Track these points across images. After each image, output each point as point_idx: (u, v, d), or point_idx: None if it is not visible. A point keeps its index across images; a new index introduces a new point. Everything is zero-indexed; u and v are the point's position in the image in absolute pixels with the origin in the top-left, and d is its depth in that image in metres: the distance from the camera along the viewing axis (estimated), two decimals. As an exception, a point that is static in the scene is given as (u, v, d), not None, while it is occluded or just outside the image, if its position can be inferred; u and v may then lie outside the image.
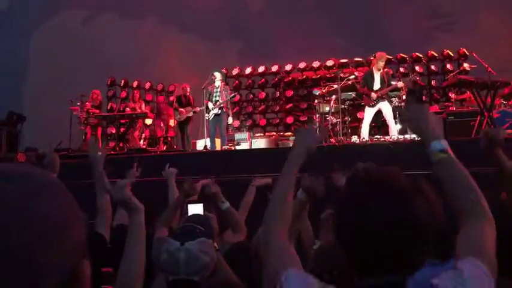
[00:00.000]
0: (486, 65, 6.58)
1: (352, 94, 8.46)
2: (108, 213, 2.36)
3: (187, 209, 2.80)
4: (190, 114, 8.84)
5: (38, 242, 0.54)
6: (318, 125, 8.10)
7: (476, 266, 0.95)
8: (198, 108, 8.61)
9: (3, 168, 0.59)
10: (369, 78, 7.22)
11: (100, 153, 2.49)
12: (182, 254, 1.65)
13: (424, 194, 1.01)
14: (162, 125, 10.29)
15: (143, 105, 9.83)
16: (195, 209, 2.81)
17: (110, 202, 2.33)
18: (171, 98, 10.69)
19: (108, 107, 11.25)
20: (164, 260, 1.68)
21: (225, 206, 2.61)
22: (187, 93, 9.03)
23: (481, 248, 1.00)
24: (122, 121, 9.19)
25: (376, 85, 7.16)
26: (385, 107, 7.13)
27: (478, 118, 6.15)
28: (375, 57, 7.44)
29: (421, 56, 10.62)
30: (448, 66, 10.42)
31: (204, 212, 2.76)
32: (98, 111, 9.11)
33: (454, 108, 8.12)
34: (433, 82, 10.65)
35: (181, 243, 1.67)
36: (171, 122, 9.80)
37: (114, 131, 9.56)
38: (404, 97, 7.70)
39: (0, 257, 0.52)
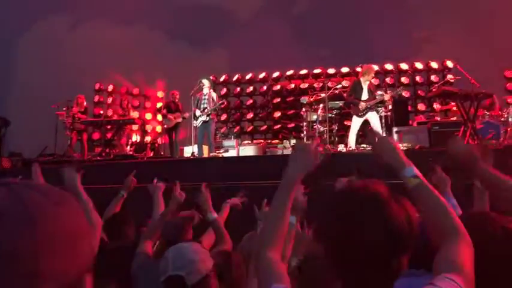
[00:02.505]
0: (469, 77, 6.73)
1: (340, 103, 8.56)
2: (97, 228, 2.30)
3: None
4: (180, 120, 8.84)
5: (47, 248, 0.57)
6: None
7: (452, 283, 0.99)
8: (187, 114, 8.61)
9: (28, 181, 0.64)
10: (357, 88, 7.30)
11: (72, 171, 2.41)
12: (170, 252, 1.74)
13: (402, 206, 1.07)
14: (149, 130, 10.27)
15: (131, 112, 9.79)
16: None
17: (98, 217, 2.30)
18: (160, 105, 10.67)
19: (96, 113, 11.16)
20: (160, 264, 1.76)
21: (211, 216, 2.58)
22: (176, 100, 9.03)
23: (457, 265, 1.04)
24: (108, 127, 9.13)
25: (364, 95, 7.25)
26: (373, 117, 7.22)
27: (462, 128, 6.27)
28: (361, 67, 7.55)
29: (406, 69, 10.83)
30: (433, 77, 10.64)
31: None
32: (84, 116, 9.02)
33: (439, 119, 8.27)
34: (419, 92, 10.85)
35: (172, 244, 1.80)
36: (158, 128, 9.77)
37: (100, 137, 9.50)
38: (390, 107, 7.84)
39: (7, 255, 0.55)
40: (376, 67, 9.28)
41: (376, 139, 1.39)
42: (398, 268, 1.05)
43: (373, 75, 7.50)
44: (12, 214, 0.57)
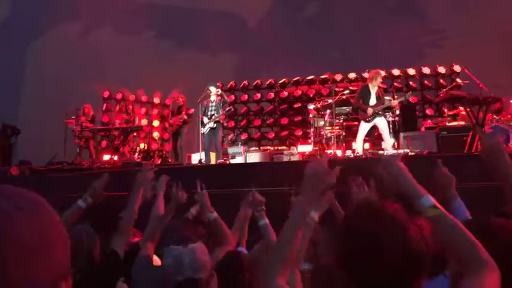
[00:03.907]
0: (478, 81, 6.68)
1: (347, 109, 8.53)
2: (127, 234, 2.31)
3: None
4: (180, 122, 8.82)
5: (15, 258, 0.55)
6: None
7: None
8: (184, 116, 8.64)
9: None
10: (366, 93, 7.27)
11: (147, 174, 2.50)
12: (186, 255, 1.79)
13: (419, 226, 1.09)
14: (156, 138, 10.32)
15: (136, 118, 9.84)
16: None
17: (132, 224, 2.33)
18: (166, 112, 10.72)
19: (105, 121, 11.25)
20: (169, 264, 1.81)
21: (212, 216, 2.59)
22: (181, 104, 9.04)
23: None
24: (116, 133, 9.18)
25: (372, 101, 7.22)
26: (381, 122, 7.18)
27: (471, 133, 6.21)
28: (369, 72, 7.53)
29: (413, 74, 10.79)
30: (441, 81, 10.58)
31: None
32: (91, 125, 9.12)
33: (447, 123, 8.20)
34: (427, 96, 10.79)
35: (185, 246, 1.82)
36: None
37: (108, 145, 9.55)
38: (398, 112, 7.80)
39: None
40: (383, 72, 9.26)
41: (384, 166, 1.32)
42: (415, 284, 1.07)
43: (381, 80, 7.48)
44: None
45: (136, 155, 9.50)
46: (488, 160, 1.40)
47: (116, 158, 8.77)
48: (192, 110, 8.57)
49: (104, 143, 10.32)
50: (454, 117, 8.90)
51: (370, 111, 7.11)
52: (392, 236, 1.05)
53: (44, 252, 0.58)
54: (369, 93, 7.24)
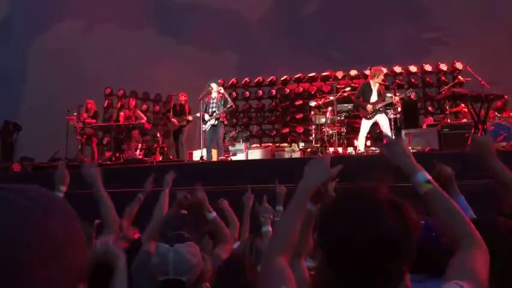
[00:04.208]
0: (480, 78, 6.66)
1: (348, 106, 8.53)
2: (115, 225, 2.31)
3: None
4: (184, 123, 8.86)
5: (39, 258, 0.55)
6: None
7: None
8: (190, 117, 8.65)
9: (19, 186, 0.61)
10: (367, 90, 7.25)
11: (94, 168, 2.44)
12: (171, 255, 1.74)
13: (402, 212, 1.03)
14: (158, 135, 10.33)
15: (138, 113, 9.81)
16: None
17: (115, 214, 2.31)
18: (167, 109, 10.72)
19: (106, 117, 11.25)
20: (155, 262, 1.78)
21: (211, 216, 2.60)
22: (183, 102, 9.06)
23: (470, 273, 1.04)
24: (118, 130, 9.19)
25: (373, 98, 7.20)
26: (382, 119, 7.17)
27: (473, 130, 6.21)
28: (370, 70, 7.52)
29: (415, 71, 10.78)
30: (443, 78, 10.57)
31: None
32: (94, 121, 9.09)
33: (449, 121, 8.19)
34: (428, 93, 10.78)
35: (171, 245, 1.77)
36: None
37: (110, 141, 9.57)
38: (399, 109, 7.79)
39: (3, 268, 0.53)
40: (385, 70, 9.25)
41: (386, 143, 1.39)
42: (399, 276, 1.02)
43: (383, 77, 7.46)
44: (2, 225, 0.55)
45: (137, 151, 9.50)
46: (479, 160, 1.42)
47: (117, 154, 8.79)
48: (190, 118, 8.63)
49: (105, 140, 10.33)
50: (456, 115, 8.90)
51: (369, 107, 7.10)
52: (364, 221, 1.00)
53: (65, 252, 0.58)
54: (370, 90, 7.23)
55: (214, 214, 2.62)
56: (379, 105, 7.13)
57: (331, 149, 7.88)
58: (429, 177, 1.25)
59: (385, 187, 1.09)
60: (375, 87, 7.23)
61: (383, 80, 7.46)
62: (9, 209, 0.56)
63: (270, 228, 2.53)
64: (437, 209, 1.21)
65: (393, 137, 1.49)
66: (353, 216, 1.03)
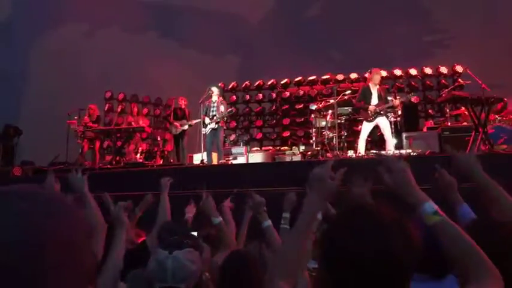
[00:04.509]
0: (480, 81, 6.66)
1: (349, 109, 8.54)
2: (102, 232, 2.28)
3: None
4: (185, 127, 8.88)
5: (44, 261, 0.55)
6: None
7: None
8: (193, 122, 8.67)
9: (17, 188, 0.61)
10: (367, 93, 7.27)
11: (80, 174, 2.46)
12: (170, 262, 1.71)
13: (405, 229, 1.05)
14: (159, 138, 10.34)
15: (141, 121, 9.85)
16: None
17: (103, 219, 2.30)
18: (168, 112, 10.73)
19: (106, 121, 11.26)
20: (153, 269, 1.74)
21: (217, 220, 2.61)
22: (183, 107, 9.07)
23: None
24: (118, 135, 9.19)
25: (374, 100, 7.22)
26: (383, 122, 7.18)
27: (473, 133, 6.20)
28: (370, 72, 7.55)
29: (415, 74, 10.78)
30: (443, 81, 10.57)
31: None
32: (96, 125, 9.09)
33: (449, 124, 8.19)
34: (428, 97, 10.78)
35: (170, 252, 1.73)
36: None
37: (110, 145, 9.56)
38: (400, 112, 7.79)
39: (4, 271, 0.53)
40: (384, 73, 9.25)
41: (388, 167, 1.29)
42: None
43: (380, 78, 7.48)
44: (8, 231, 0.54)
45: (138, 155, 9.51)
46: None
47: (118, 158, 8.79)
48: (193, 122, 8.67)
49: (105, 144, 10.34)
50: (457, 118, 8.89)
51: (371, 108, 7.11)
52: (370, 237, 1.02)
53: (75, 255, 0.59)
54: (370, 93, 7.25)
55: (220, 219, 2.63)
56: (380, 108, 7.13)
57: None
58: (436, 207, 1.21)
59: (389, 206, 1.10)
60: (374, 90, 7.25)
61: (380, 81, 7.47)
62: (12, 214, 0.56)
63: (270, 222, 2.48)
64: (448, 241, 1.18)
65: (393, 161, 1.44)
66: (359, 233, 1.04)
